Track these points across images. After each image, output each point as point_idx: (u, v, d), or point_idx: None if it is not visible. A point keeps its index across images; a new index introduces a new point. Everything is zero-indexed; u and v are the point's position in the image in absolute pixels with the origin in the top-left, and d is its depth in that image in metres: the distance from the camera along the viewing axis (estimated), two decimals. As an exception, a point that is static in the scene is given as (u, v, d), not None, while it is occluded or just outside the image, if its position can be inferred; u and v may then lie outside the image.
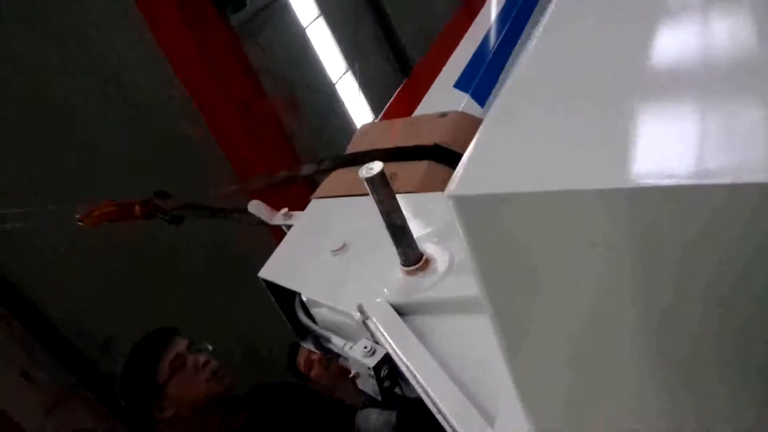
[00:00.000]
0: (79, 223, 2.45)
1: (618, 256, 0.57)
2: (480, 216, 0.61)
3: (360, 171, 1.18)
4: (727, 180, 0.48)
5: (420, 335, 1.21)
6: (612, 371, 0.66)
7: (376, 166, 1.16)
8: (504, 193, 0.59)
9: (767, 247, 0.49)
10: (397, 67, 9.14)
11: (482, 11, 2.60)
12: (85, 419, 4.91)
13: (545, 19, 0.87)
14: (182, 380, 1.90)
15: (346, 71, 8.58)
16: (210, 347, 2.00)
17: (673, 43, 0.72)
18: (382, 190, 1.18)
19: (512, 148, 0.66)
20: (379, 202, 1.20)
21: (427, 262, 1.31)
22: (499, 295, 0.66)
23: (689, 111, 0.58)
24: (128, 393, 2.03)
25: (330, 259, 1.52)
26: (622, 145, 0.58)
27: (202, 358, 1.97)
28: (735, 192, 0.48)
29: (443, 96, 2.08)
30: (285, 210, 1.86)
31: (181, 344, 2.00)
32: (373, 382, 1.32)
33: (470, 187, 0.62)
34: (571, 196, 0.56)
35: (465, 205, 0.62)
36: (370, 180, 1.16)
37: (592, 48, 0.77)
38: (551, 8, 0.88)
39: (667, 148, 0.55)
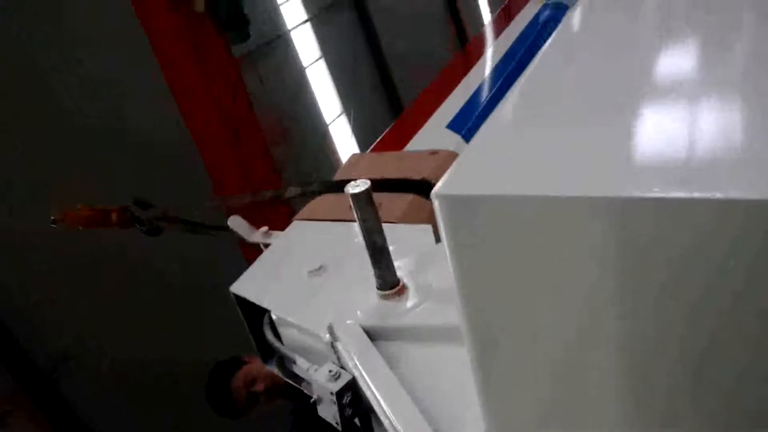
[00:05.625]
0: (53, 225, 2.39)
1: (593, 268, 0.56)
2: (463, 216, 0.60)
3: (347, 187, 1.17)
4: (708, 195, 0.48)
5: (390, 361, 1.17)
6: (586, 387, 0.64)
7: (363, 184, 1.15)
8: (487, 195, 0.59)
9: (755, 262, 0.48)
10: (392, 115, 9.31)
11: (479, 61, 2.66)
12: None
13: (543, 49, 0.88)
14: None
15: (341, 114, 8.71)
16: None
17: (666, 65, 0.73)
18: (367, 207, 1.17)
19: (501, 156, 0.66)
20: (363, 220, 1.18)
21: (404, 288, 1.29)
22: (474, 300, 0.64)
23: (678, 122, 0.59)
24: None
25: (305, 280, 1.49)
26: (606, 157, 0.58)
27: None
28: (719, 207, 0.47)
29: (435, 135, 2.10)
30: (265, 228, 1.83)
31: None
32: (334, 408, 1.27)
33: (456, 187, 0.62)
34: (546, 202, 0.55)
35: (449, 204, 0.61)
36: (356, 196, 1.15)
37: (587, 66, 0.79)
38: (552, 38, 0.90)
39: (650, 160, 0.55)
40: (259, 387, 2.39)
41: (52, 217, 2.35)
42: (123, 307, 5.05)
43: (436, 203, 0.61)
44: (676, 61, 0.75)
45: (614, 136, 0.62)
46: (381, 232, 1.22)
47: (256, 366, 2.38)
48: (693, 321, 0.54)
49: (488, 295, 0.64)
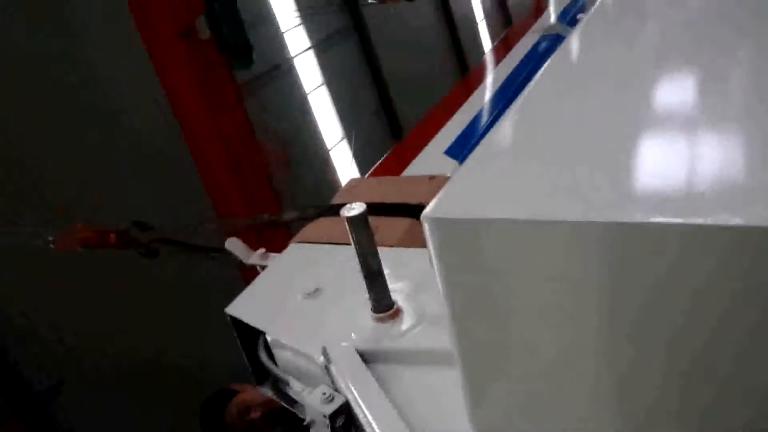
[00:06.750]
0: (51, 246, 2.40)
1: (575, 292, 0.57)
2: (451, 238, 0.62)
3: (342, 210, 1.18)
4: (678, 220, 0.49)
5: (383, 384, 1.17)
6: (576, 409, 0.65)
7: (358, 207, 1.17)
8: (474, 218, 0.60)
9: (732, 289, 0.49)
10: (392, 141, 9.38)
11: (478, 89, 2.70)
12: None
13: (538, 75, 0.91)
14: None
15: (342, 139, 8.79)
16: None
17: (660, 94, 0.75)
18: (362, 231, 1.18)
19: (489, 180, 0.68)
20: (357, 243, 1.19)
21: (398, 311, 1.29)
22: (464, 321, 0.65)
23: (664, 151, 0.60)
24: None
25: (301, 302, 1.49)
26: (592, 183, 0.60)
27: None
28: (693, 232, 0.49)
29: (433, 161, 2.13)
30: (262, 250, 1.84)
31: None
32: (327, 431, 1.27)
33: (445, 211, 0.63)
34: (533, 226, 0.57)
35: (438, 227, 0.62)
36: (351, 220, 1.16)
37: (578, 94, 0.81)
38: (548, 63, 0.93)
39: (634, 187, 0.57)
40: (255, 415, 2.35)
41: (50, 238, 2.37)
42: (122, 326, 5.03)
43: (425, 226, 0.63)
44: (670, 90, 0.77)
45: (601, 163, 0.63)
46: (376, 255, 1.22)
47: (248, 394, 2.34)
48: (677, 342, 0.55)
49: (477, 315, 0.65)
